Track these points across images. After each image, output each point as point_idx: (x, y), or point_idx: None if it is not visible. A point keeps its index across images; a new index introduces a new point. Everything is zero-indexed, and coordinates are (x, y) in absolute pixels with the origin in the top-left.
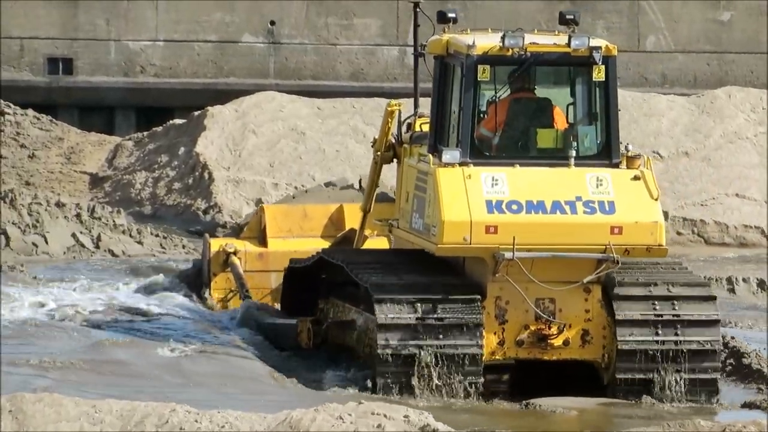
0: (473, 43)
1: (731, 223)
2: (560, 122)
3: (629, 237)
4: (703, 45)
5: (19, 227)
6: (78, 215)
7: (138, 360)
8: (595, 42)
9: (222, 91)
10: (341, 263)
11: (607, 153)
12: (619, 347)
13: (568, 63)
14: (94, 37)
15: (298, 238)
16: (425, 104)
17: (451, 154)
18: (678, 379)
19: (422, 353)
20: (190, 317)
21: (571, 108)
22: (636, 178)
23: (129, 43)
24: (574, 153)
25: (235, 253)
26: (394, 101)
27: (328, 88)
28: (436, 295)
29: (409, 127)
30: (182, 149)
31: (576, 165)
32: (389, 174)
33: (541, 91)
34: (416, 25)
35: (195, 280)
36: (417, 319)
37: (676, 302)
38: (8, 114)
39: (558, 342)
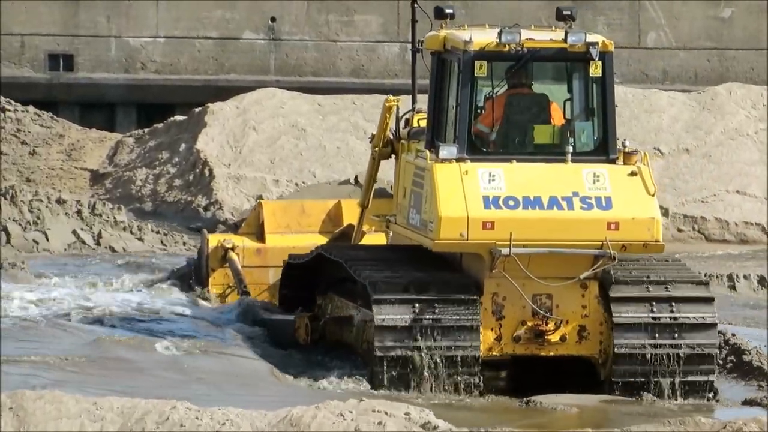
0: (470, 39)
1: (732, 220)
2: (557, 118)
3: (626, 233)
4: (703, 42)
5: (19, 224)
6: (79, 212)
7: (138, 357)
8: (591, 38)
9: (223, 87)
10: (339, 259)
11: (604, 149)
12: (616, 351)
13: (564, 59)
14: (95, 33)
15: (296, 234)
16: (423, 100)
17: (448, 150)
18: (674, 382)
19: (419, 354)
20: (188, 314)
21: (568, 104)
22: (633, 173)
23: (130, 40)
24: (571, 149)
25: (233, 249)
26: (392, 97)
27: (329, 85)
28: (434, 294)
29: (407, 122)
30: (183, 146)
31: (573, 161)
32: (389, 171)
33: (538, 87)
34: (414, 21)
35: (190, 278)
36: (414, 320)
37: (674, 304)
38: (9, 111)
39: (555, 338)
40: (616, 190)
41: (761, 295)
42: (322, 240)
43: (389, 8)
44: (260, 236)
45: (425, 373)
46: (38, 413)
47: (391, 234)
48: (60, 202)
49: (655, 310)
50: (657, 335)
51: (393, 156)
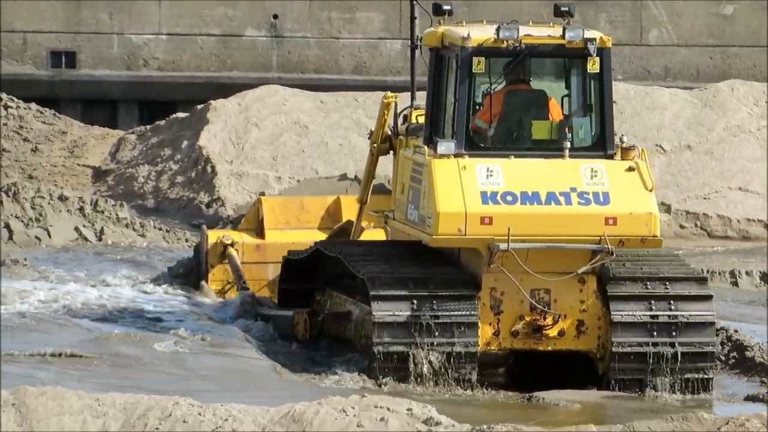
0: (468, 35)
1: (734, 217)
2: (555, 114)
3: (624, 228)
4: (705, 39)
5: (22, 221)
6: (81, 209)
7: (140, 353)
8: (589, 34)
9: (225, 84)
10: (338, 255)
11: (602, 144)
12: (614, 350)
13: (562, 55)
14: (97, 30)
15: (295, 230)
16: (422, 97)
17: (446, 146)
18: (672, 380)
19: (418, 349)
20: (188, 310)
21: (565, 99)
22: (630, 169)
23: (132, 37)
24: (568, 144)
25: (232, 245)
26: (390, 93)
27: (331, 82)
28: (432, 289)
29: (406, 119)
30: (185, 143)
31: (571, 156)
32: (387, 167)
33: (535, 83)
34: (413, 18)
35: (188, 274)
36: (413, 317)
37: (672, 302)
38: (11, 108)
39: (553, 333)
40: (613, 186)
41: (763, 292)
42: (322, 236)
43: (391, 5)
44: (259, 232)
45: (423, 369)
46: (40, 409)
47: (389, 230)
48: (62, 199)
49: (653, 308)
50: (655, 334)
51: (391, 152)
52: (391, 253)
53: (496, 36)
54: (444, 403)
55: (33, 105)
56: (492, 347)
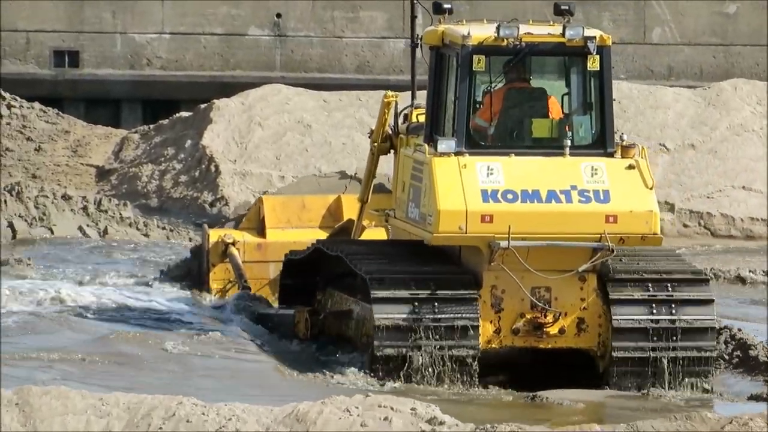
0: (468, 33)
1: (737, 216)
2: (555, 112)
3: (624, 226)
4: (709, 37)
5: (25, 220)
6: (84, 208)
7: (143, 353)
8: (589, 32)
9: (228, 83)
10: (338, 254)
11: (602, 142)
12: (614, 326)
13: (562, 53)
14: (100, 30)
15: (296, 229)
16: (422, 96)
17: (446, 144)
18: (673, 358)
19: (419, 353)
20: (191, 310)
21: (566, 98)
22: (631, 167)
23: (135, 36)
24: (569, 142)
25: (233, 244)
26: (390, 92)
27: (334, 81)
28: (433, 290)
29: (406, 118)
30: (188, 142)
31: (571, 154)
32: (386, 166)
33: (536, 81)
34: (413, 17)
35: (189, 273)
36: (414, 320)
37: (670, 284)
38: (14, 107)
39: (553, 330)
40: (614, 184)
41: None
42: (323, 235)
43: (394, 4)
44: (261, 231)
45: (424, 370)
46: (44, 409)
47: (390, 229)
48: (66, 198)
49: (654, 312)
50: (655, 310)
51: (392, 151)
52: (391, 252)
53: (496, 34)
54: (448, 403)
55: (36, 104)
56: (493, 345)
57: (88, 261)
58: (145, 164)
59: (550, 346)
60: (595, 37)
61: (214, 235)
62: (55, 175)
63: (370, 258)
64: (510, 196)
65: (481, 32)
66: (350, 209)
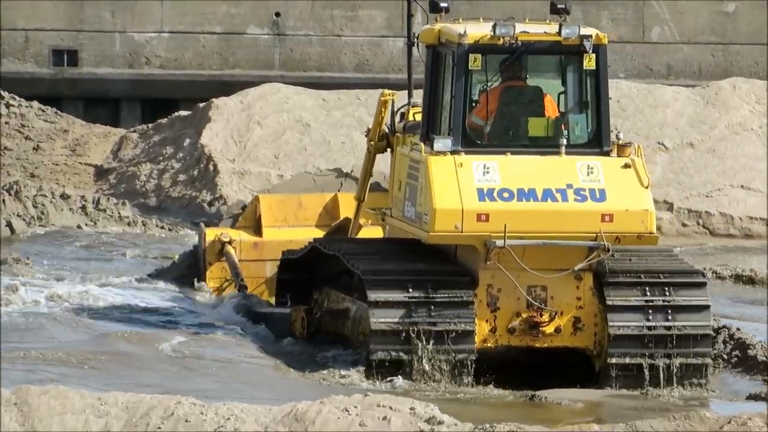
0: (464, 32)
1: (736, 215)
2: (551, 111)
3: (620, 225)
4: (708, 36)
5: (24, 219)
6: (83, 207)
7: (142, 352)
8: (585, 31)
9: (227, 82)
10: (334, 252)
11: (598, 141)
12: (610, 333)
13: (558, 52)
14: (99, 29)
15: (293, 228)
16: (419, 95)
17: (442, 143)
18: (669, 364)
19: (415, 356)
20: (188, 308)
21: (562, 96)
22: (626, 166)
23: (134, 35)
24: (565, 141)
25: (230, 243)
26: (387, 91)
27: (333, 80)
28: (430, 292)
29: (403, 116)
30: (187, 141)
31: (567, 153)
32: (382, 164)
33: (532, 80)
34: (409, 15)
35: (185, 272)
36: (409, 298)
37: (666, 288)
38: (13, 106)
39: (549, 329)
40: (609, 182)
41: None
42: (319, 233)
43: (393, 3)
44: (257, 230)
45: (421, 369)
46: (43, 408)
47: (387, 227)
48: (64, 197)
49: (648, 293)
50: (651, 317)
51: (388, 150)
52: (387, 250)
53: (492, 33)
54: (446, 402)
55: (35, 103)
56: (489, 344)
57: (85, 260)
58: (144, 163)
59: (546, 345)
60: (591, 36)
61: (211, 233)
62: (53, 174)
63: (367, 257)
64: (506, 195)
65: (478, 31)
66: (347, 208)
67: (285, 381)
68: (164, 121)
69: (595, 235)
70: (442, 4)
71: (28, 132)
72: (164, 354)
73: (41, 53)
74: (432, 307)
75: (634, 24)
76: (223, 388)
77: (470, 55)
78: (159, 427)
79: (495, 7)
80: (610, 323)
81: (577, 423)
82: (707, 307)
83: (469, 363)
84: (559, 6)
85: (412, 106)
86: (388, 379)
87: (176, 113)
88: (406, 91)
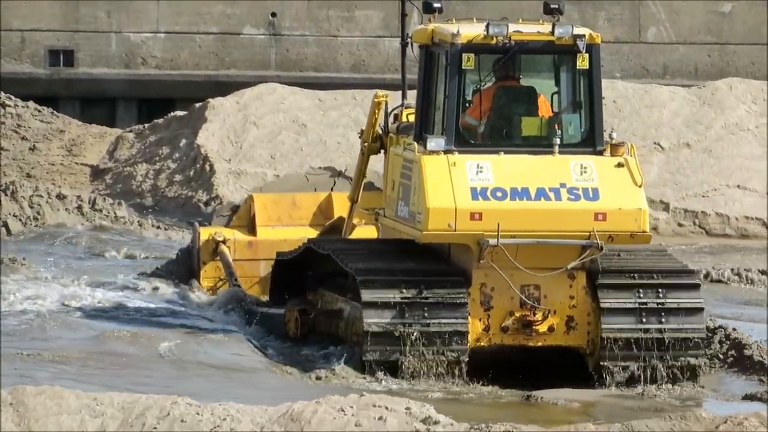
0: (458, 31)
1: (732, 215)
2: (545, 110)
3: (613, 223)
4: (704, 36)
5: (20, 219)
6: (79, 207)
7: (137, 352)
8: (578, 30)
9: (223, 82)
10: (327, 251)
11: (591, 140)
12: (603, 336)
13: (552, 51)
14: (95, 29)
15: (287, 227)
16: (413, 96)
17: (436, 142)
18: (661, 367)
19: (407, 331)
20: (183, 309)
21: (555, 96)
22: (620, 165)
23: (130, 35)
24: (558, 141)
25: (224, 242)
26: (381, 92)
27: (330, 80)
28: (423, 293)
29: (396, 118)
30: (183, 141)
31: (560, 152)
32: (377, 164)
33: (525, 80)
34: (403, 15)
35: (179, 271)
36: (402, 298)
37: (660, 290)
38: (9, 106)
39: (543, 328)
40: (603, 182)
41: (762, 290)
42: (313, 233)
43: (390, 3)
44: (251, 229)
45: (413, 369)
46: (39, 409)
47: (380, 228)
48: (60, 197)
49: (642, 296)
50: (644, 320)
51: (382, 151)
52: (381, 250)
53: (485, 32)
54: (442, 402)
55: (31, 103)
56: (482, 343)
57: (81, 260)
58: (140, 163)
59: (539, 344)
60: (584, 36)
61: (205, 233)
62: (49, 174)
63: (358, 255)
64: (499, 194)
65: (471, 31)
66: (341, 207)
67: (281, 381)
68: (160, 121)
69: (588, 233)
70: (435, 5)
71: (25, 132)
72: (160, 354)
73: (37, 53)
74: (425, 308)
75: (631, 24)
76: (219, 389)
77: (463, 54)
78: (155, 428)
79: (492, 7)
80: (603, 326)
81: (573, 423)
82: (701, 309)
83: (461, 364)
84: (552, 6)
85: (406, 108)
86: (382, 378)
87: (172, 113)
88: (401, 92)
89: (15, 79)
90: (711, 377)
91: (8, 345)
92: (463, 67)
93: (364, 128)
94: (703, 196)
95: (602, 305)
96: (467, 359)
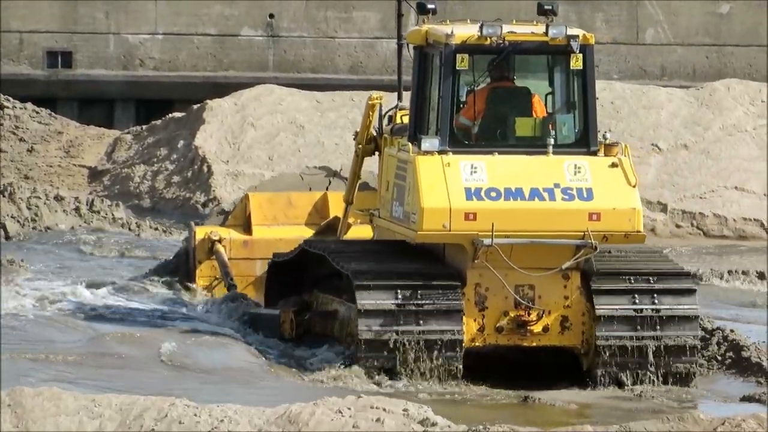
0: (452, 32)
1: (730, 216)
2: (539, 111)
3: (607, 223)
4: (702, 37)
5: (18, 221)
6: (77, 209)
7: (135, 353)
8: (572, 31)
9: (221, 84)
10: (322, 252)
11: (585, 141)
12: (597, 343)
13: (546, 52)
14: (93, 30)
15: (282, 226)
16: (407, 98)
17: (430, 143)
18: (655, 374)
19: (402, 338)
20: (180, 309)
21: (549, 96)
22: (614, 165)
23: (128, 37)
24: (552, 141)
25: (220, 241)
26: (375, 94)
27: (327, 81)
28: (416, 281)
29: (391, 119)
30: (181, 142)
31: (554, 153)
32: (372, 165)
33: (519, 80)
34: (399, 15)
35: (176, 272)
36: (397, 305)
37: (656, 296)
38: (7, 107)
39: (537, 328)
40: (597, 182)
41: (760, 291)
42: (309, 232)
43: (387, 5)
44: (247, 228)
45: (408, 357)
46: (37, 410)
47: (376, 228)
48: (58, 199)
49: (637, 301)
50: (639, 327)
51: (376, 153)
52: (376, 250)
53: (479, 33)
54: (440, 404)
55: (29, 105)
56: (477, 343)
57: (78, 261)
58: (138, 165)
59: (534, 344)
60: (578, 36)
61: (201, 232)
62: (47, 175)
63: (353, 256)
64: (493, 194)
65: (465, 31)
66: (336, 206)
67: (278, 382)
68: (158, 122)
69: (582, 233)
70: (429, 6)
71: (23, 134)
72: (157, 355)
73: (35, 55)
74: (420, 315)
75: (628, 25)
76: (217, 390)
77: (457, 55)
78: (153, 429)
79: (489, 7)
80: (597, 334)
81: (571, 424)
82: (696, 317)
83: (456, 368)
84: (546, 7)
85: (400, 109)
86: (379, 380)
87: (170, 115)
88: (396, 94)
89: (13, 81)
90: (709, 379)
91: (6, 346)
92: (457, 68)
93: (358, 130)
94: (701, 198)
95: (597, 313)
96: (461, 365)
